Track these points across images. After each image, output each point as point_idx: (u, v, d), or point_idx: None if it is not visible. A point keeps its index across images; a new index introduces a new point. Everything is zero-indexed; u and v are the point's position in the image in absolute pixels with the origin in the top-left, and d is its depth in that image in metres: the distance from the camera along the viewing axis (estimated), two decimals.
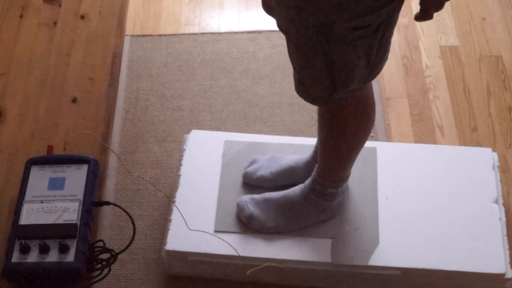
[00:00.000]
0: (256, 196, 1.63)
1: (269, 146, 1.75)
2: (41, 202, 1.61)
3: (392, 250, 1.57)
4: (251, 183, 1.69)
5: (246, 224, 1.60)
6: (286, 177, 1.67)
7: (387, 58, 1.24)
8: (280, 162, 1.69)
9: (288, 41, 1.20)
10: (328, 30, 1.10)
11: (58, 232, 1.55)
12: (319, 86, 1.22)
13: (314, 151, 1.63)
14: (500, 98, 2.03)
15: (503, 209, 1.65)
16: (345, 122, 1.35)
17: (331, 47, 1.13)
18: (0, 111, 1.94)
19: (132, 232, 1.61)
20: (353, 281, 1.60)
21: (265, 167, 1.69)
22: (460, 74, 2.09)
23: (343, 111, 1.33)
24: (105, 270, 1.57)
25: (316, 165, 1.53)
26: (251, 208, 1.60)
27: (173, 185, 1.76)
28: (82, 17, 2.17)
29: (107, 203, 1.66)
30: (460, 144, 1.92)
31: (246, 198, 1.63)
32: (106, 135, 1.90)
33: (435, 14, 1.11)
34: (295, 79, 1.26)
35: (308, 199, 1.56)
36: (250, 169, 1.70)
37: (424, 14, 1.09)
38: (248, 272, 1.57)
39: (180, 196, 1.67)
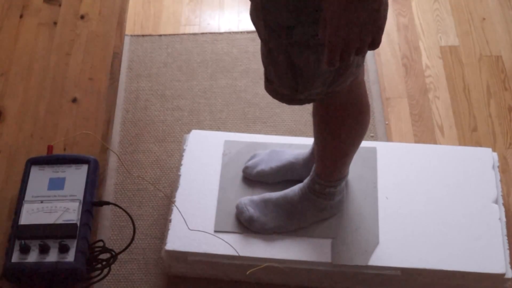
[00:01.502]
0: (255, 197, 1.63)
1: (269, 146, 1.76)
2: (41, 202, 1.61)
3: (392, 250, 1.57)
4: (251, 178, 1.69)
5: (247, 227, 1.60)
6: (285, 173, 1.67)
7: (358, 65, 1.22)
8: (280, 157, 1.69)
9: (259, 37, 1.21)
10: (289, 32, 1.10)
11: (58, 232, 1.54)
12: (283, 85, 1.23)
13: (313, 147, 1.63)
14: (500, 98, 2.03)
15: (503, 209, 1.65)
16: (338, 123, 1.35)
17: (293, 49, 1.13)
18: (0, 111, 1.94)
19: (132, 232, 1.61)
20: (353, 281, 1.60)
21: (265, 161, 1.69)
22: (460, 74, 2.09)
23: (336, 111, 1.32)
24: (105, 270, 1.57)
25: (314, 165, 1.53)
26: (251, 211, 1.60)
27: (173, 185, 1.76)
28: (82, 17, 2.17)
29: (107, 203, 1.66)
30: (460, 144, 1.92)
31: (245, 200, 1.63)
32: (106, 135, 1.90)
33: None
34: (264, 75, 1.27)
35: (307, 199, 1.56)
36: (250, 163, 1.70)
37: (329, 61, 1.00)
38: (248, 272, 1.57)
39: (180, 196, 1.67)
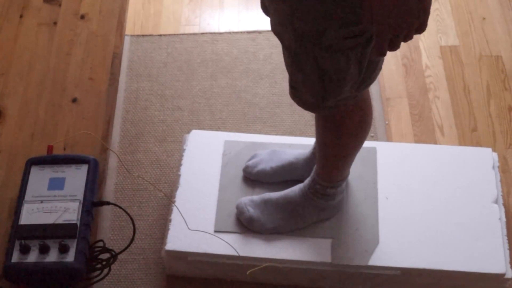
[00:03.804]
0: (255, 197, 1.63)
1: (269, 146, 1.76)
2: (41, 202, 1.61)
3: (392, 250, 1.57)
4: (251, 177, 1.69)
5: (247, 227, 1.60)
6: (286, 173, 1.67)
7: (381, 68, 1.23)
8: (281, 157, 1.69)
9: (282, 45, 1.20)
10: (319, 37, 1.10)
11: (58, 232, 1.54)
12: (310, 92, 1.22)
13: (314, 147, 1.63)
14: (500, 98, 2.03)
15: (503, 209, 1.65)
16: (343, 127, 1.35)
17: (322, 54, 1.12)
18: (0, 111, 1.94)
19: (132, 232, 1.61)
20: (353, 281, 1.60)
21: (266, 161, 1.69)
22: (460, 74, 2.09)
23: (341, 115, 1.32)
24: (105, 270, 1.57)
25: (315, 166, 1.53)
26: (251, 211, 1.60)
27: (173, 185, 1.76)
28: (82, 17, 2.17)
29: (107, 203, 1.66)
30: (460, 144, 1.92)
31: (246, 200, 1.63)
32: (106, 135, 1.90)
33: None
34: (289, 83, 1.26)
35: (307, 199, 1.56)
36: (250, 162, 1.70)
37: (379, 51, 1.01)
38: (248, 272, 1.57)
39: (180, 196, 1.67)
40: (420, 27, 0.99)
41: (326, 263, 1.56)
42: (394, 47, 1.00)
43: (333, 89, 1.19)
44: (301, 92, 1.24)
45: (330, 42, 1.10)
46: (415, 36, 2.28)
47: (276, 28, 1.17)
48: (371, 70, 1.19)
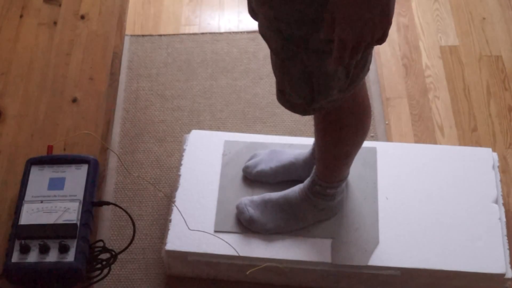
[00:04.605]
0: (255, 198, 1.63)
1: (269, 146, 1.76)
2: (41, 202, 1.61)
3: (392, 250, 1.57)
4: (250, 177, 1.69)
5: (247, 227, 1.60)
6: (285, 173, 1.67)
7: (368, 69, 1.23)
8: (281, 157, 1.69)
9: (270, 49, 1.20)
10: (305, 41, 1.10)
11: (58, 232, 1.54)
12: (298, 95, 1.22)
13: (313, 148, 1.63)
14: (500, 98, 2.03)
15: (503, 209, 1.65)
16: (340, 126, 1.35)
17: (309, 58, 1.13)
18: (0, 111, 1.94)
19: (132, 232, 1.61)
20: (353, 281, 1.60)
21: (265, 161, 1.69)
22: (460, 74, 2.09)
23: (339, 116, 1.32)
24: (105, 270, 1.57)
25: (315, 167, 1.53)
26: (251, 211, 1.60)
27: (173, 185, 1.76)
28: (82, 17, 2.17)
29: (107, 203, 1.66)
30: (460, 144, 1.92)
31: (245, 200, 1.63)
32: (106, 135, 1.90)
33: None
34: (276, 87, 1.26)
35: (307, 199, 1.56)
36: (250, 162, 1.70)
37: (339, 59, 1.00)
38: (248, 272, 1.57)
39: (180, 196, 1.67)
40: (381, 38, 0.99)
41: (326, 263, 1.56)
42: (354, 56, 0.99)
43: (321, 92, 1.19)
44: (289, 96, 1.24)
45: (316, 45, 1.10)
46: (415, 36, 2.29)
47: (264, 32, 1.17)
48: (358, 71, 1.19)
